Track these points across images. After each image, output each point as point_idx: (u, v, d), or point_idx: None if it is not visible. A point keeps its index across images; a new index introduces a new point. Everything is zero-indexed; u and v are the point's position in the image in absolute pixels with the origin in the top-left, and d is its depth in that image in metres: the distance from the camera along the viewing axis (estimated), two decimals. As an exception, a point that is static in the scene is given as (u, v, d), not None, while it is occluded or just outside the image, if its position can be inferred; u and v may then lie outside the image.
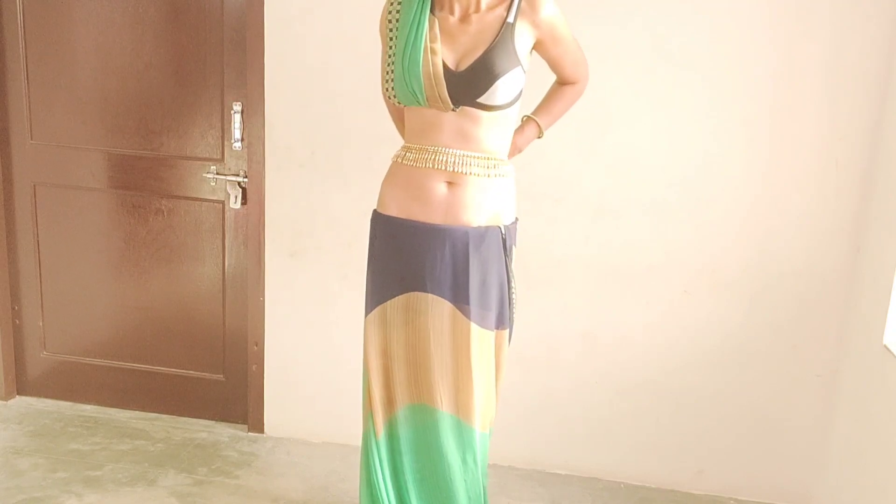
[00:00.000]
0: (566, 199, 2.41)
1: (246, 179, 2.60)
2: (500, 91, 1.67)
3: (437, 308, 1.76)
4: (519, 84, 1.71)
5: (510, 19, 1.68)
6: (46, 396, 2.93)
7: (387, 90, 1.76)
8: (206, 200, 2.67)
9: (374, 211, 1.85)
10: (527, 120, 1.89)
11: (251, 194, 2.59)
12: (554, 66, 1.83)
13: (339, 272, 2.58)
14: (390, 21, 1.73)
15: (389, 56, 1.73)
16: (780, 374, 2.42)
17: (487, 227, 1.75)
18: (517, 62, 1.68)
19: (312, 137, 2.50)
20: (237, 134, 2.57)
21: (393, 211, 1.79)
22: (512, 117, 1.76)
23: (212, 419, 2.83)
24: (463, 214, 1.73)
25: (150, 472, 2.47)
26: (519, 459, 2.61)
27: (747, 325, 2.41)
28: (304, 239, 2.59)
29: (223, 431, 2.77)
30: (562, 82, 1.89)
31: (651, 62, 2.28)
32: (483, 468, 1.88)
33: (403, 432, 1.86)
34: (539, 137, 1.90)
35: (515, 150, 1.87)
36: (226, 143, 2.61)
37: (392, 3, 1.74)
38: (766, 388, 2.43)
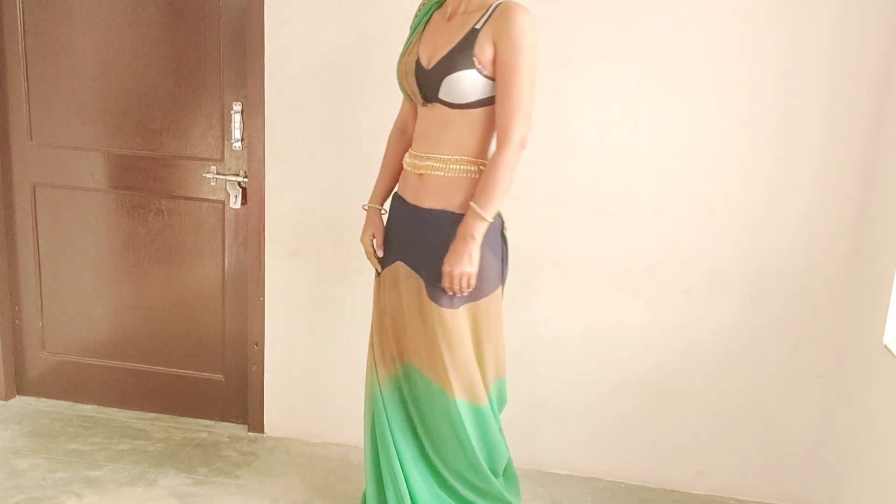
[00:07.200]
0: (566, 199, 2.41)
1: (246, 179, 2.60)
2: (452, 87, 1.77)
3: (411, 280, 1.91)
4: (476, 86, 1.76)
5: (477, 25, 1.77)
6: (46, 396, 2.93)
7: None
8: (206, 200, 2.67)
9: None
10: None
11: (251, 194, 2.59)
12: (497, 97, 1.77)
13: (339, 272, 2.58)
14: (412, 25, 1.92)
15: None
16: (780, 374, 2.42)
17: (442, 210, 1.85)
18: (472, 65, 1.75)
19: (312, 137, 2.51)
20: (237, 134, 2.57)
21: (398, 190, 2.01)
22: (480, 121, 1.81)
23: (212, 419, 2.83)
24: (425, 198, 1.88)
25: (150, 472, 2.47)
26: (518, 459, 2.59)
27: (747, 325, 2.41)
28: (304, 239, 2.59)
29: (223, 431, 2.77)
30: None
31: (651, 62, 2.29)
32: (479, 440, 1.93)
33: (405, 386, 1.99)
34: (483, 220, 1.76)
35: (470, 237, 1.77)
36: (226, 143, 2.61)
37: (417, 10, 1.94)
38: (766, 388, 2.44)
